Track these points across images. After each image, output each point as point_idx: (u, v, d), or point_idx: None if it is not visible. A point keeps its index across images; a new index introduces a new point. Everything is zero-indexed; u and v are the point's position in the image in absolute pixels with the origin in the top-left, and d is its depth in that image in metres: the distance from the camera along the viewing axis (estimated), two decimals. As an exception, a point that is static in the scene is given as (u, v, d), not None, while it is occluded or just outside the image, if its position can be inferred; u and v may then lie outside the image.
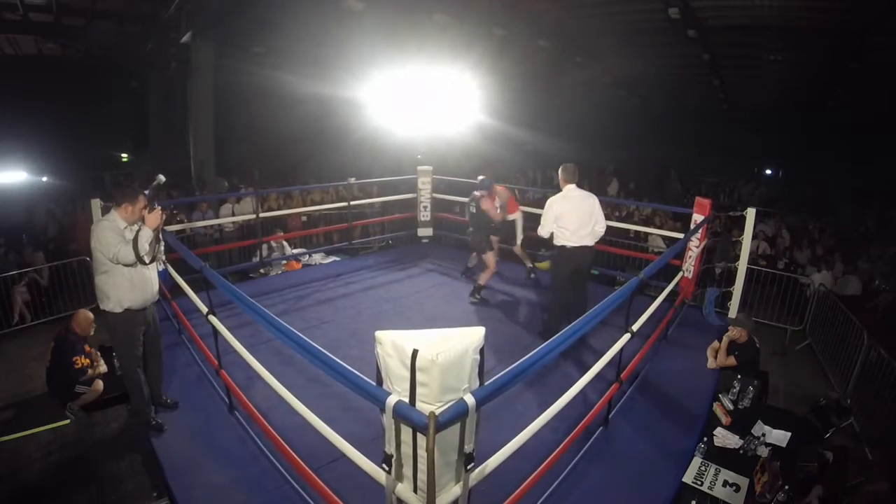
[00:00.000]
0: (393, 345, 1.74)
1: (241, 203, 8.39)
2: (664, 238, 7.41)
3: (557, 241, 4.33)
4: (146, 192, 3.13)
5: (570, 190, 4.34)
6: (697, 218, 5.17)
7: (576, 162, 4.52)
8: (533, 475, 2.42)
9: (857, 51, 8.28)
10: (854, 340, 5.13)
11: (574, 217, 4.25)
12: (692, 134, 16.40)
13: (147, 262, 3.04)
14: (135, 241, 2.95)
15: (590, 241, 4.33)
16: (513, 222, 6.01)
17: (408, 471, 1.73)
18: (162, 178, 3.34)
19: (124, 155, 14.20)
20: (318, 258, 7.12)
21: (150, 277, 3.18)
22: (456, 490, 1.76)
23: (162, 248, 3.34)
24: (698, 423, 3.43)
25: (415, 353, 1.64)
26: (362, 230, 8.45)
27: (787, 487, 2.65)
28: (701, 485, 2.84)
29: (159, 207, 3.13)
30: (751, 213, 5.00)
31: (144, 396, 3.23)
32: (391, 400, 1.63)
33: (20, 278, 6.03)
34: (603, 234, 4.41)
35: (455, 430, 1.66)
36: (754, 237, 6.80)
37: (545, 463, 2.51)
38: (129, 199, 3.03)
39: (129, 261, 2.94)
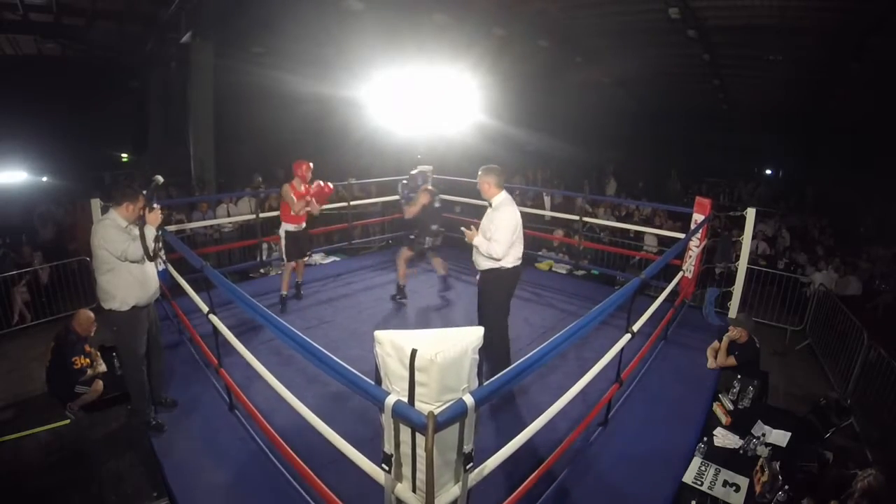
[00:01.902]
0: (392, 344, 1.75)
1: (238, 203, 8.40)
2: (659, 237, 7.41)
3: (505, 262, 3.59)
4: (145, 192, 3.17)
5: (506, 196, 3.66)
6: (697, 218, 5.17)
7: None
8: (532, 475, 2.41)
9: (857, 51, 8.28)
10: (854, 340, 5.12)
11: (520, 228, 3.65)
12: (692, 134, 16.40)
13: (152, 258, 3.12)
14: (142, 238, 3.03)
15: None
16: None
17: (407, 470, 1.73)
18: (160, 178, 3.37)
19: (124, 155, 14.17)
20: (318, 258, 7.12)
21: (152, 274, 3.24)
22: (455, 490, 1.76)
23: (161, 245, 3.37)
24: (698, 423, 3.43)
25: (414, 352, 1.64)
26: (362, 230, 8.44)
27: (787, 487, 2.65)
28: (701, 485, 2.84)
29: (159, 207, 3.19)
30: (751, 213, 5.00)
31: (145, 396, 3.24)
32: (390, 399, 1.63)
33: (20, 278, 6.03)
34: None
35: (454, 430, 1.66)
36: (753, 237, 6.80)
37: (545, 463, 2.51)
38: (131, 199, 3.08)
39: (138, 257, 3.02)
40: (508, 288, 3.74)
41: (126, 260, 3.00)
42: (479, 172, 3.69)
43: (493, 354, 3.50)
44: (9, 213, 8.83)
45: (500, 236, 3.50)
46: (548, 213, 8.08)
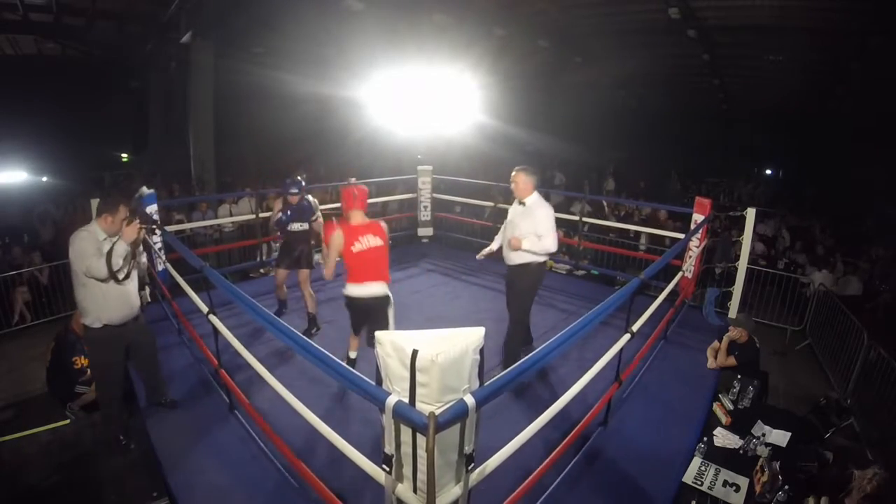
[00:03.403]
0: (393, 345, 1.75)
1: (238, 203, 8.40)
2: (652, 237, 7.40)
3: (538, 258, 3.74)
4: (133, 199, 3.08)
5: (538, 195, 3.77)
6: (697, 218, 5.17)
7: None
8: (532, 475, 2.41)
9: (858, 51, 8.28)
10: (854, 340, 5.13)
11: None
12: (692, 134, 16.42)
13: (120, 279, 2.85)
14: (108, 254, 2.77)
15: None
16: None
17: (408, 471, 1.73)
18: (145, 190, 3.27)
19: (124, 155, 14.19)
20: (318, 258, 7.11)
21: (127, 292, 3.01)
22: (456, 490, 1.76)
23: (143, 262, 3.22)
24: (698, 423, 3.43)
25: (414, 353, 1.64)
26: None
27: (787, 487, 2.65)
28: (701, 485, 2.84)
29: (137, 221, 2.93)
30: (751, 213, 5.00)
31: (111, 420, 3.16)
32: (391, 400, 1.62)
33: (20, 278, 6.03)
34: None
35: (455, 431, 1.66)
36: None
37: (545, 463, 2.51)
38: (109, 210, 2.89)
39: (101, 275, 2.77)
40: (538, 281, 3.85)
41: (90, 276, 2.77)
42: (518, 172, 3.71)
43: (511, 347, 3.83)
44: (8, 214, 8.84)
45: (546, 231, 3.61)
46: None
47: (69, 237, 2.86)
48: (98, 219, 2.92)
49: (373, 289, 3.35)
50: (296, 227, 4.76)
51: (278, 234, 4.84)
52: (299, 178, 4.74)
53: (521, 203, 3.74)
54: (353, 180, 7.04)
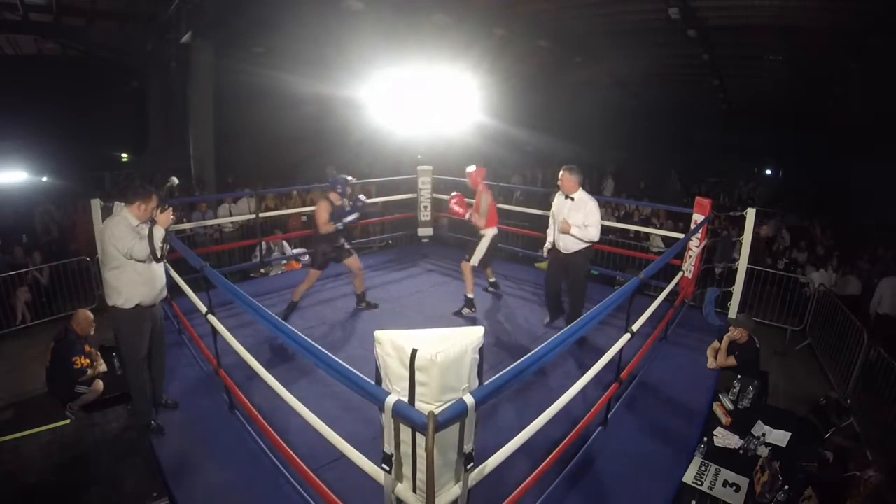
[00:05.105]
0: (392, 344, 1.75)
1: (238, 203, 8.41)
2: (664, 238, 7.40)
3: (594, 240, 4.38)
4: (156, 189, 3.19)
5: (583, 191, 4.36)
6: (697, 218, 5.17)
7: (576, 162, 4.50)
8: (532, 475, 2.41)
9: (857, 51, 8.29)
10: (854, 340, 5.13)
11: None
12: (692, 134, 16.42)
13: (159, 258, 3.12)
14: (150, 237, 3.03)
15: None
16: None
17: (407, 470, 1.73)
18: (175, 180, 3.42)
19: (124, 155, 14.19)
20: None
21: (159, 274, 3.23)
22: (455, 490, 1.76)
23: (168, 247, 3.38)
24: (698, 423, 3.43)
25: (414, 352, 1.64)
26: (362, 230, 8.45)
27: (787, 487, 2.65)
28: (701, 485, 2.84)
29: (170, 208, 3.20)
30: (751, 213, 5.00)
31: (146, 398, 3.24)
32: (390, 399, 1.62)
33: (20, 279, 6.02)
34: None
35: (454, 430, 1.66)
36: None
37: (544, 463, 2.51)
38: (144, 198, 3.09)
39: (144, 256, 3.02)
40: (588, 261, 4.64)
41: (132, 258, 3.01)
42: (564, 171, 4.32)
43: (574, 311, 4.54)
44: (8, 214, 8.84)
45: (592, 222, 4.21)
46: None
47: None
48: (130, 206, 3.09)
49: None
50: (352, 217, 4.81)
51: (335, 228, 4.74)
52: (338, 175, 4.98)
53: (570, 198, 4.30)
54: (352, 179, 7.06)
